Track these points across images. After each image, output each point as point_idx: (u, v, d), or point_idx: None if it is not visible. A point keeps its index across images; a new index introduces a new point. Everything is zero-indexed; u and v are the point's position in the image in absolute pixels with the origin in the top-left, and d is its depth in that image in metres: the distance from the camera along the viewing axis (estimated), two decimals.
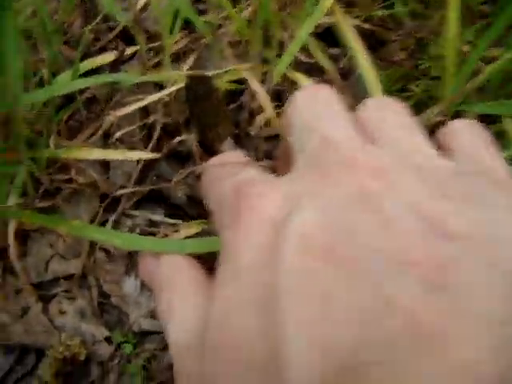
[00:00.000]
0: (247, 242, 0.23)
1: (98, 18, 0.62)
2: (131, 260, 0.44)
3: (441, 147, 0.30)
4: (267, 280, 0.21)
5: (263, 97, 0.48)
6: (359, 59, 0.53)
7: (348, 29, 0.54)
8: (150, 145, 0.50)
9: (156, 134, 0.50)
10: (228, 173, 0.30)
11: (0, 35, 0.39)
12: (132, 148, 0.51)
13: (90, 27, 0.59)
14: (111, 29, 0.62)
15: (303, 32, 0.50)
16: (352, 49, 0.53)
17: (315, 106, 0.31)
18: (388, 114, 0.31)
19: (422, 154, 0.27)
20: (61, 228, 0.35)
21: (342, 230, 0.21)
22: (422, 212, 0.21)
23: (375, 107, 0.31)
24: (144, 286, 0.43)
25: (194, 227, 0.39)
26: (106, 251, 0.44)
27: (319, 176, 0.24)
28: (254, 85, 0.48)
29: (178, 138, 0.47)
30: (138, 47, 0.51)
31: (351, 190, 0.22)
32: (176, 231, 0.44)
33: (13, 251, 0.43)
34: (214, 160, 0.34)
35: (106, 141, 0.51)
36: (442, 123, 0.56)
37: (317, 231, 0.21)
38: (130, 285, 0.43)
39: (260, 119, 0.52)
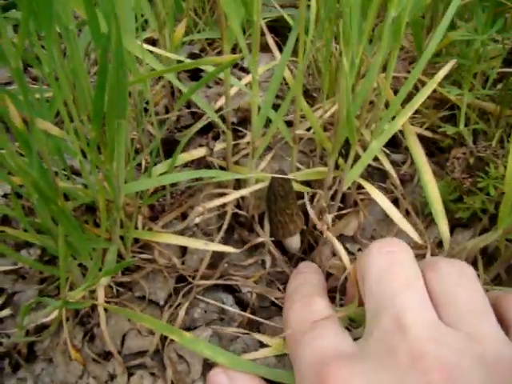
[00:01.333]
0: None
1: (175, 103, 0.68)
2: (203, 366, 0.46)
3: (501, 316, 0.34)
4: None
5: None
6: (421, 169, 0.56)
7: (412, 138, 0.58)
8: (223, 234, 0.54)
9: (228, 222, 0.55)
10: (310, 337, 0.36)
11: (113, 140, 0.43)
12: (207, 233, 0.56)
13: (176, 113, 0.65)
14: (193, 113, 0.68)
15: (377, 144, 0.55)
16: (414, 156, 0.57)
17: (393, 276, 0.36)
18: (462, 289, 0.35)
19: (492, 342, 0.31)
20: (173, 336, 0.41)
21: None
22: None
23: (449, 276, 0.36)
24: None
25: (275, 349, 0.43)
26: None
27: (390, 370, 0.30)
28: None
29: (258, 239, 0.51)
30: (224, 144, 0.56)
31: None
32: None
33: (103, 321, 0.46)
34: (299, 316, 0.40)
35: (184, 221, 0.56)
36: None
37: None
38: None
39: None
